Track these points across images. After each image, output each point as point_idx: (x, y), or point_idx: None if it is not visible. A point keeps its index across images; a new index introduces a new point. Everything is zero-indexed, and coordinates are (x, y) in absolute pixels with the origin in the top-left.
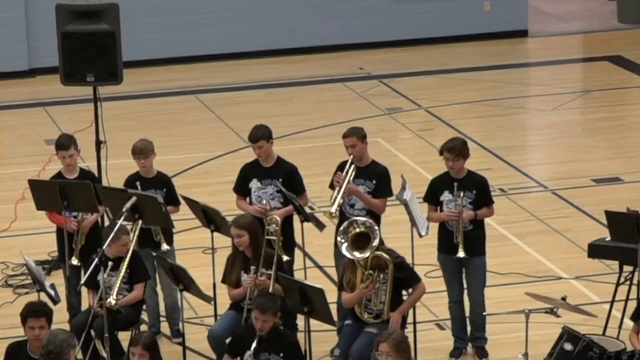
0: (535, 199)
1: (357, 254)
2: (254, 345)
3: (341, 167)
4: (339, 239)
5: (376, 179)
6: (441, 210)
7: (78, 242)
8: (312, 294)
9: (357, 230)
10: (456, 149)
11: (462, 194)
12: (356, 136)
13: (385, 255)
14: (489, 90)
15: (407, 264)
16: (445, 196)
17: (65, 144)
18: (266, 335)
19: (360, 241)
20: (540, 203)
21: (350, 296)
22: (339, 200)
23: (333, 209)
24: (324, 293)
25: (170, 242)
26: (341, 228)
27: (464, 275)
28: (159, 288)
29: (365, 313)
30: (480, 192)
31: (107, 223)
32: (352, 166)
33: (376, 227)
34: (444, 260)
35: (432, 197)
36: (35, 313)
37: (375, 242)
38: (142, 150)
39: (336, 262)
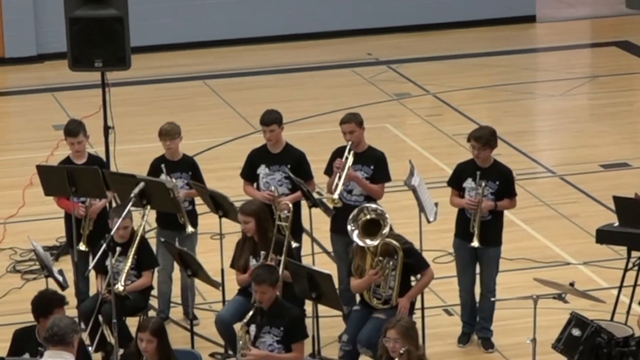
0: (544, 185)
1: (368, 241)
2: (249, 315)
3: (337, 153)
4: (349, 227)
5: (374, 164)
6: (463, 197)
7: (86, 228)
8: (320, 279)
9: (368, 217)
10: (483, 138)
11: (483, 184)
12: (354, 122)
13: (394, 241)
14: (498, 76)
15: (416, 249)
16: (468, 183)
17: (74, 130)
18: (268, 308)
19: (371, 228)
20: (549, 188)
21: (359, 282)
22: (341, 186)
23: (336, 195)
24: (332, 279)
25: (195, 224)
26: (351, 215)
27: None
28: (174, 274)
29: (374, 299)
30: (503, 184)
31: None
32: (351, 152)
33: (387, 214)
34: (459, 246)
35: (456, 181)
36: (62, 301)
37: (386, 229)
38: (169, 132)
39: (333, 248)
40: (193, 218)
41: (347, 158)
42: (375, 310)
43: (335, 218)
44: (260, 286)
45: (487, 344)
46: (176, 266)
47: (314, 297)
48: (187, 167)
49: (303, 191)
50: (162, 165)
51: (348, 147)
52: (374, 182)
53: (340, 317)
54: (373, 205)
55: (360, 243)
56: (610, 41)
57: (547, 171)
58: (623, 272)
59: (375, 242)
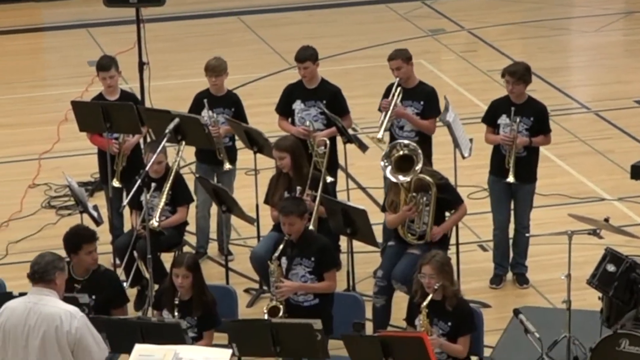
0: (578, 121)
1: (401, 177)
2: (279, 248)
3: (388, 89)
4: (382, 163)
5: (424, 99)
6: (498, 133)
7: (119, 164)
8: (355, 215)
9: (400, 153)
10: (517, 73)
11: (518, 120)
12: (401, 58)
13: (427, 177)
14: (532, 12)
15: (451, 185)
16: (503, 119)
17: (106, 65)
18: (297, 240)
19: (404, 164)
20: (583, 124)
21: (393, 217)
22: (385, 125)
23: (380, 134)
24: (367, 214)
25: (233, 161)
26: (384, 152)
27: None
28: (212, 209)
29: (408, 234)
30: (538, 119)
31: None
32: (399, 89)
33: (419, 150)
34: (494, 183)
35: (491, 118)
36: (92, 237)
37: (419, 165)
38: (215, 68)
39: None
40: (232, 154)
41: (393, 95)
42: (409, 246)
43: None
44: (288, 217)
45: (522, 280)
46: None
47: (349, 232)
48: (231, 103)
49: (338, 127)
50: (205, 100)
51: (396, 84)
52: (424, 117)
53: (375, 252)
54: (406, 142)
55: (394, 179)
56: None
57: (582, 107)
58: None
59: (408, 178)
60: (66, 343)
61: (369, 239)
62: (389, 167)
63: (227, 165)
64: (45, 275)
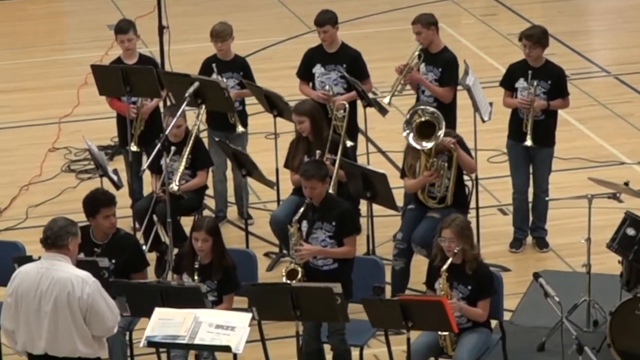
0: (598, 84)
1: (424, 143)
2: (300, 211)
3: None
4: (404, 131)
5: (442, 66)
6: (516, 97)
7: (137, 128)
8: (374, 179)
9: (422, 119)
10: (534, 36)
11: (535, 83)
12: (420, 23)
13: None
14: None
15: (464, 143)
16: (520, 83)
17: (124, 27)
18: (318, 204)
19: (426, 129)
20: (603, 88)
21: (413, 182)
22: (396, 89)
23: (386, 99)
24: (387, 178)
25: (245, 124)
26: (405, 118)
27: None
28: (228, 172)
29: (429, 199)
30: (555, 83)
31: None
32: (417, 54)
33: (441, 116)
34: (512, 146)
35: (508, 82)
36: (109, 202)
37: (441, 131)
38: (220, 34)
39: None
40: (243, 118)
41: (412, 59)
42: (430, 210)
43: None
44: (309, 181)
45: (542, 244)
46: (228, 165)
47: (369, 196)
48: (239, 67)
49: (358, 91)
50: (214, 65)
51: (417, 49)
52: (441, 85)
53: (395, 216)
54: (427, 108)
55: (417, 146)
56: None
57: (602, 70)
58: None
59: (431, 144)
60: (78, 308)
61: (388, 203)
62: (411, 134)
63: (240, 128)
64: (58, 240)
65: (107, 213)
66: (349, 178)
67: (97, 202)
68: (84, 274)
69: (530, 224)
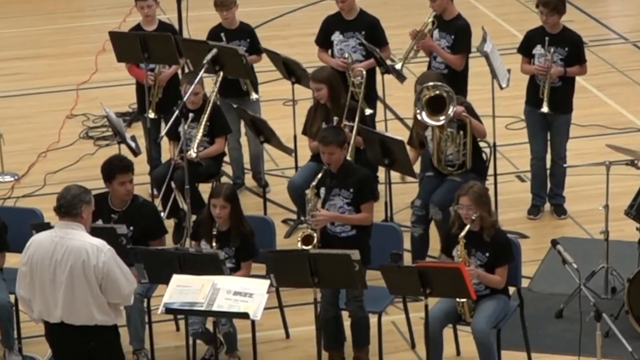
0: (616, 51)
1: (440, 118)
2: (318, 177)
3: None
4: (416, 110)
5: (455, 33)
6: (533, 64)
7: (155, 96)
8: (393, 145)
9: (430, 94)
10: (551, 3)
11: (552, 50)
12: None
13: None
14: None
15: (472, 108)
16: (537, 50)
17: None
18: (336, 170)
19: (436, 104)
20: (621, 55)
21: (413, 159)
22: (408, 54)
23: (398, 66)
24: (405, 145)
25: (256, 91)
26: (415, 97)
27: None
28: (243, 139)
29: (446, 167)
30: (572, 50)
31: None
32: (430, 20)
33: (450, 89)
34: (529, 112)
35: (525, 49)
36: (126, 168)
37: (452, 107)
38: (224, 2)
39: None
40: (254, 86)
41: (425, 25)
42: (448, 175)
43: None
44: (327, 147)
45: (560, 211)
46: (242, 132)
47: (387, 163)
48: (245, 34)
49: (376, 58)
50: (222, 34)
51: (430, 15)
52: (452, 52)
53: (414, 183)
54: (432, 83)
55: (434, 123)
56: None
57: (620, 37)
58: None
59: (441, 121)
60: (93, 277)
61: (406, 170)
62: (423, 112)
63: (254, 95)
64: (71, 208)
65: (122, 179)
66: (367, 145)
67: (113, 168)
68: (99, 242)
69: (548, 190)
